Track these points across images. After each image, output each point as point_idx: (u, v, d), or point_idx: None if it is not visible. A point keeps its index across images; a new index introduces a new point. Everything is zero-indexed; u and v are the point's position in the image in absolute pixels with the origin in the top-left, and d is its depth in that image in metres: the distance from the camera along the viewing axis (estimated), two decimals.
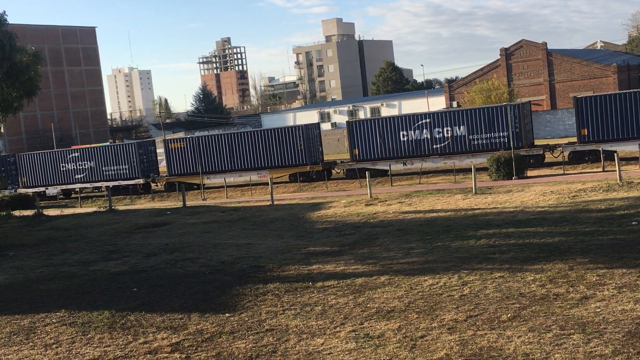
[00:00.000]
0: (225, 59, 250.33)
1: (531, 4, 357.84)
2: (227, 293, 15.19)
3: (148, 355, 11.35)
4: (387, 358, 10.20)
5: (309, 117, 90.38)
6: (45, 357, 11.81)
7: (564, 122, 58.06)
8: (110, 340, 12.39)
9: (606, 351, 9.61)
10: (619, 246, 16.30)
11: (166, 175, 46.11)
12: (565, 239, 17.72)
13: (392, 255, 17.69)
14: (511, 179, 34.15)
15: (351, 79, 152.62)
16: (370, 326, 11.78)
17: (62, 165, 48.58)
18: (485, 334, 10.81)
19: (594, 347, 9.82)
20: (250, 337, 11.82)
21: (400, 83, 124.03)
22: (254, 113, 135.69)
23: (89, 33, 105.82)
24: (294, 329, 12.01)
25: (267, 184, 37.56)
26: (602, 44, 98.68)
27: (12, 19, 28.93)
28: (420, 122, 39.72)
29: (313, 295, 14.28)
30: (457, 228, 20.98)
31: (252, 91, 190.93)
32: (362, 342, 11.00)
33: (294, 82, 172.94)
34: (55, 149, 53.95)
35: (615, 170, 29.35)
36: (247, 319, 12.96)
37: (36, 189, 48.33)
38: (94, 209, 38.34)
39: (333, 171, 43.49)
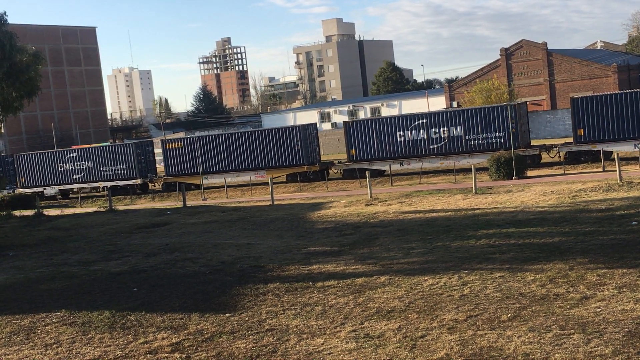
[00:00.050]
0: (225, 59, 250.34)
1: (531, 4, 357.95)
2: (227, 293, 15.19)
3: (148, 355, 11.36)
4: (387, 358, 10.20)
5: (309, 117, 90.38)
6: (45, 357, 11.82)
7: (564, 122, 58.02)
8: (111, 340, 12.39)
9: (606, 351, 9.61)
10: (619, 246, 16.30)
11: (164, 176, 46.14)
12: (566, 239, 17.72)
13: (392, 255, 17.69)
14: (511, 179, 34.16)
15: (351, 79, 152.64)
16: (371, 326, 11.78)
17: (60, 166, 48.60)
18: (486, 334, 10.81)
19: (594, 347, 9.83)
20: (251, 337, 11.83)
21: (400, 83, 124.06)
22: (254, 113, 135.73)
23: (89, 33, 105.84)
24: (294, 329, 12.01)
25: (266, 184, 37.58)
26: (602, 44, 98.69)
27: (12, 19, 28.96)
28: (417, 123, 39.78)
29: (313, 295, 14.28)
30: (457, 228, 20.99)
31: (252, 91, 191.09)
32: (362, 342, 11.01)
33: (294, 82, 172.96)
34: (53, 150, 53.92)
35: (616, 170, 29.35)
36: (247, 318, 12.96)
37: (34, 189, 48.36)
38: (94, 209, 38.35)
39: (330, 171, 43.56)
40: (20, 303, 15.93)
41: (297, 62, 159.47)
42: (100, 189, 48.04)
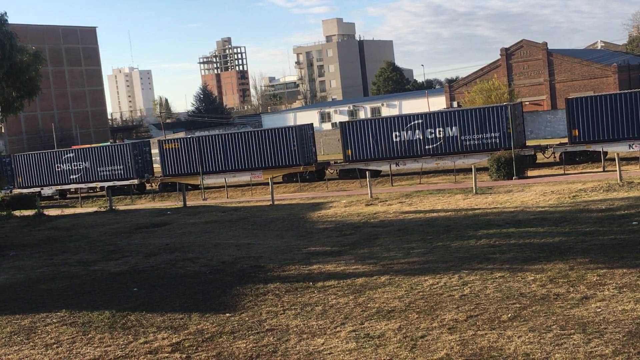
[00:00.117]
0: (225, 59, 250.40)
1: (531, 4, 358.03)
2: (227, 293, 15.19)
3: (148, 355, 11.36)
4: (388, 358, 10.20)
5: (309, 117, 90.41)
6: (45, 357, 11.82)
7: (564, 122, 57.74)
8: (111, 340, 12.39)
9: (607, 351, 9.61)
10: (619, 246, 16.29)
11: (160, 176, 46.16)
12: (566, 239, 17.72)
13: (393, 255, 17.69)
14: (511, 179, 34.16)
15: (351, 79, 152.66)
16: (371, 326, 11.78)
17: (57, 166, 48.61)
18: (486, 334, 10.81)
19: (595, 347, 9.83)
20: (251, 337, 11.83)
21: (400, 83, 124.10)
22: (255, 113, 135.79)
23: (90, 33, 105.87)
24: (295, 329, 12.01)
25: (265, 184, 37.55)
26: (603, 44, 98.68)
27: (12, 19, 28.97)
28: (412, 123, 39.83)
29: (313, 295, 14.28)
30: (457, 228, 20.98)
31: (252, 91, 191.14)
32: (363, 342, 11.01)
33: (295, 82, 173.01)
34: (50, 150, 53.95)
35: (616, 170, 29.35)
36: (247, 318, 12.96)
37: (32, 190, 48.38)
38: (95, 209, 38.36)
39: (326, 172, 43.60)
40: (20, 303, 15.93)
41: (298, 62, 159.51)
42: (98, 189, 48.08)
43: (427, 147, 39.57)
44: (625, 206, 22.11)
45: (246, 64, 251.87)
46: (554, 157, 38.81)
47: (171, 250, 21.69)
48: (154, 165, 50.03)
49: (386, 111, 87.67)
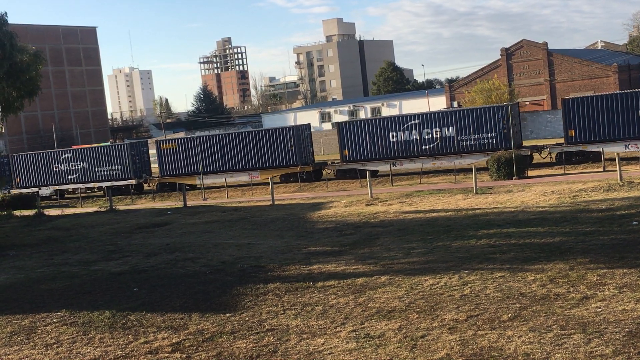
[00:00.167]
0: (225, 59, 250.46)
1: (532, 4, 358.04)
2: (227, 293, 15.19)
3: (149, 355, 11.36)
4: (388, 358, 10.20)
5: (309, 117, 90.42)
6: (46, 356, 11.82)
7: None
8: (111, 340, 12.39)
9: (607, 351, 9.61)
10: (619, 246, 16.29)
11: (158, 176, 46.17)
12: (566, 239, 17.71)
13: (393, 255, 17.69)
14: (512, 179, 34.16)
15: (352, 79, 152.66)
16: (371, 326, 11.78)
17: (55, 166, 48.62)
18: (486, 333, 10.81)
19: (595, 347, 9.82)
20: (251, 337, 11.83)
21: (400, 83, 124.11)
22: (255, 113, 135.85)
23: (90, 33, 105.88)
24: (295, 329, 12.01)
25: (264, 184, 37.55)
26: (603, 44, 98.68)
27: (12, 19, 28.97)
28: (409, 123, 39.86)
29: (314, 295, 14.28)
30: (457, 228, 20.98)
31: (252, 91, 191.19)
32: (363, 342, 11.01)
33: (295, 82, 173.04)
34: (48, 150, 53.95)
35: (616, 170, 29.34)
36: (247, 318, 12.96)
37: (29, 190, 48.39)
38: (95, 208, 38.37)
39: (323, 172, 43.63)
40: (20, 303, 15.94)
41: (298, 62, 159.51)
42: (95, 189, 48.10)
43: (423, 147, 39.62)
44: (625, 206, 22.11)
45: (246, 64, 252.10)
46: (550, 157, 38.87)
47: (171, 250, 21.69)
48: (152, 166, 50.05)
49: (386, 111, 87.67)
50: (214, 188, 45.46)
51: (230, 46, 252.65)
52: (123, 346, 11.94)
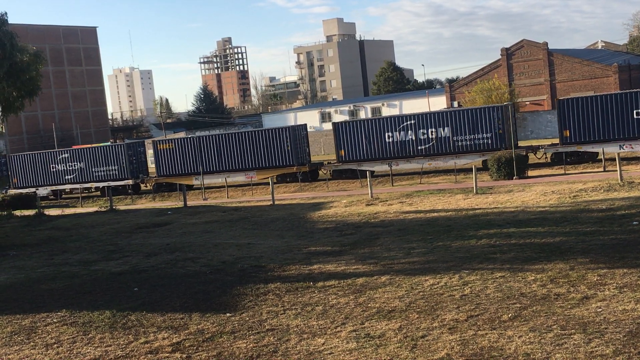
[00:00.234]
0: (226, 59, 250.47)
1: (532, 4, 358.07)
2: (228, 293, 15.19)
3: (149, 355, 11.36)
4: (388, 358, 10.20)
5: (309, 117, 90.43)
6: (46, 356, 11.82)
7: None
8: (111, 340, 12.39)
9: (607, 351, 9.60)
10: (620, 246, 16.29)
11: (155, 176, 46.19)
12: (566, 239, 17.71)
13: (393, 255, 17.68)
14: (512, 179, 34.16)
15: (352, 79, 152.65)
16: (371, 326, 11.78)
17: (52, 166, 48.63)
18: (486, 333, 10.81)
19: (595, 347, 9.82)
20: (251, 337, 11.82)
21: (401, 83, 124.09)
22: (255, 113, 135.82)
23: (90, 33, 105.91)
24: (295, 329, 12.01)
25: (264, 184, 37.59)
26: (603, 44, 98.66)
27: (13, 18, 28.98)
28: (405, 124, 39.91)
29: (314, 295, 14.28)
30: (458, 228, 20.98)
31: (253, 91, 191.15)
32: (363, 342, 11.00)
33: (295, 82, 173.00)
34: (45, 150, 53.97)
35: (616, 170, 29.34)
36: (248, 318, 12.96)
37: (27, 190, 48.38)
38: (95, 208, 38.38)
39: (320, 172, 43.65)
40: (21, 303, 15.93)
41: (298, 62, 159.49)
42: (92, 190, 48.12)
43: (419, 147, 39.69)
44: (625, 206, 22.11)
45: (246, 64, 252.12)
46: (545, 157, 38.92)
47: (172, 250, 21.69)
48: (150, 166, 50.06)
49: (387, 111, 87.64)
50: (213, 188, 45.47)
51: (230, 46, 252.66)
52: (123, 346, 11.94)
